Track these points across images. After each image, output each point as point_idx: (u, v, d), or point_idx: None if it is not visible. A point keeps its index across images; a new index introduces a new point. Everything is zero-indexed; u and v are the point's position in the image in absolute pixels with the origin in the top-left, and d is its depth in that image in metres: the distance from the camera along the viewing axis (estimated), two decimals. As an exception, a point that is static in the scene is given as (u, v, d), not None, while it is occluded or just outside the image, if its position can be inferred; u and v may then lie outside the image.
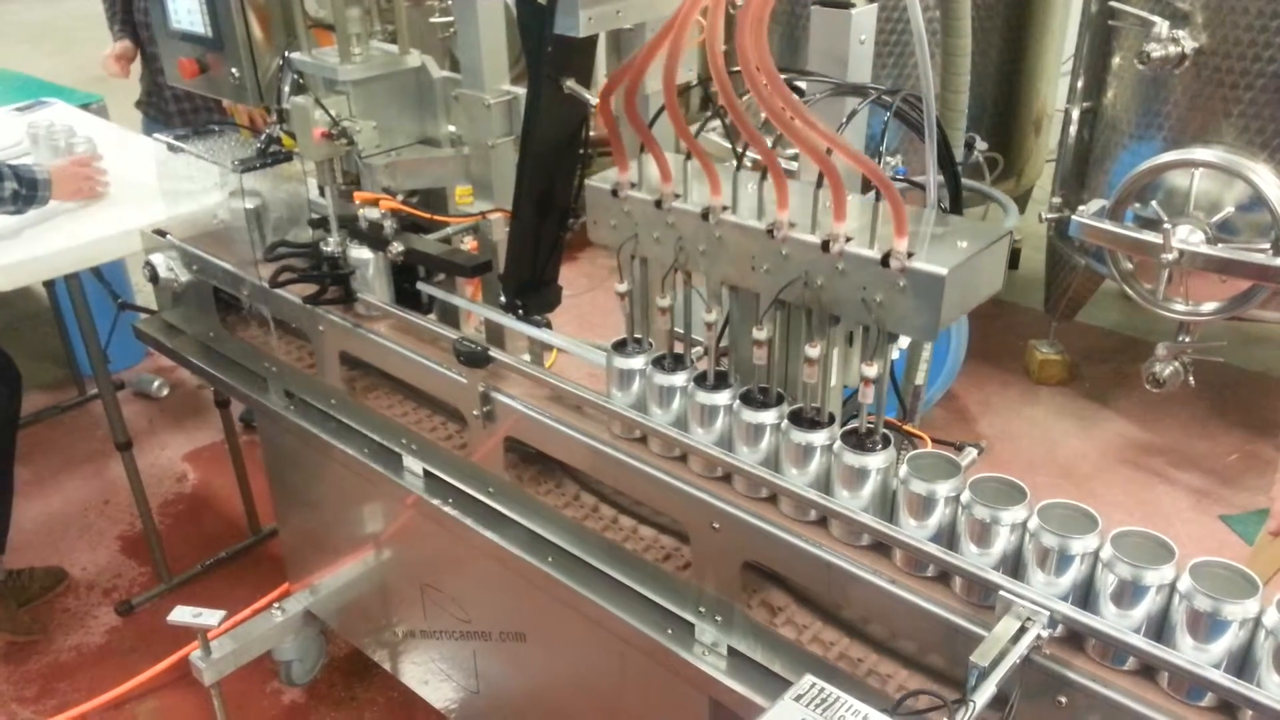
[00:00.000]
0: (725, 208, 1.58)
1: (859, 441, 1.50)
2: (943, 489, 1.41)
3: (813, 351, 1.50)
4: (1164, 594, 1.27)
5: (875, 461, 1.48)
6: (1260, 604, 1.22)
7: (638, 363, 1.72)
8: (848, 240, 1.45)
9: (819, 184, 1.47)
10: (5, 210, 2.81)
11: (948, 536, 1.44)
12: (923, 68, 1.49)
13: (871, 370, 1.47)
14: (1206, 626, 1.22)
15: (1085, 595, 1.34)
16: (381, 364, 2.18)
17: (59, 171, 2.93)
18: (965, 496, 1.39)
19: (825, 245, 1.46)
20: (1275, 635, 1.19)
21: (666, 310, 1.69)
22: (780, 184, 1.48)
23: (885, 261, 1.40)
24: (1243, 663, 1.24)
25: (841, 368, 1.64)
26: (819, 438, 1.52)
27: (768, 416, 1.57)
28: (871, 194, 1.45)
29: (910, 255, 1.39)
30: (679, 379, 1.68)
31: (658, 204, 1.64)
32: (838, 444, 1.50)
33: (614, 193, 1.69)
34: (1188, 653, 1.24)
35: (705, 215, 1.58)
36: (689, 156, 1.63)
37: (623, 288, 1.74)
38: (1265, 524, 1.89)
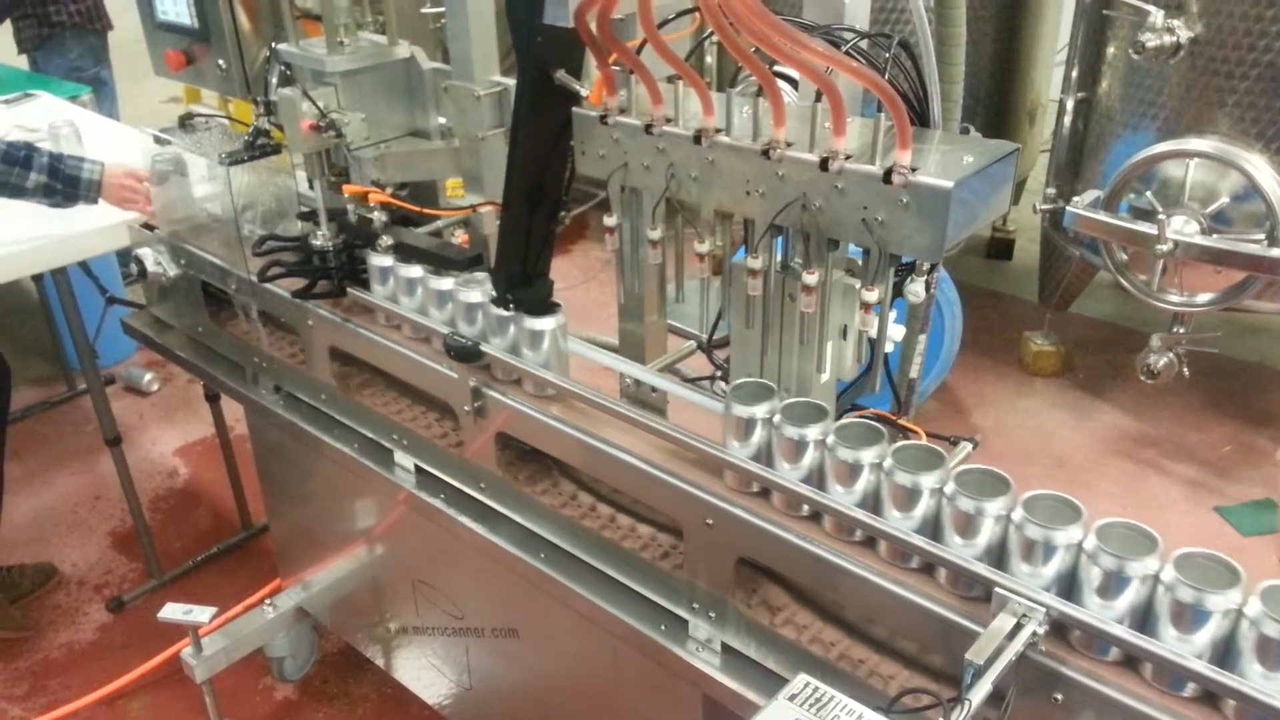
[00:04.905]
0: (719, 130, 1.54)
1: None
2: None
3: (810, 279, 1.47)
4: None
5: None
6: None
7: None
8: (847, 158, 1.42)
9: (816, 99, 1.43)
10: (38, 201, 2.56)
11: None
12: (921, 33, 1.47)
13: (872, 295, 1.45)
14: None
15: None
16: (372, 359, 2.16)
17: (113, 176, 2.58)
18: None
19: (824, 163, 1.42)
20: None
21: (657, 244, 1.66)
22: (777, 101, 1.43)
23: (887, 178, 1.37)
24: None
25: (836, 363, 1.63)
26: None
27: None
28: (870, 119, 1.42)
29: (914, 170, 1.36)
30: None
31: (648, 129, 1.59)
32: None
33: (602, 119, 1.65)
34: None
35: (698, 138, 1.54)
36: (674, 78, 1.58)
37: (612, 221, 1.72)
38: None
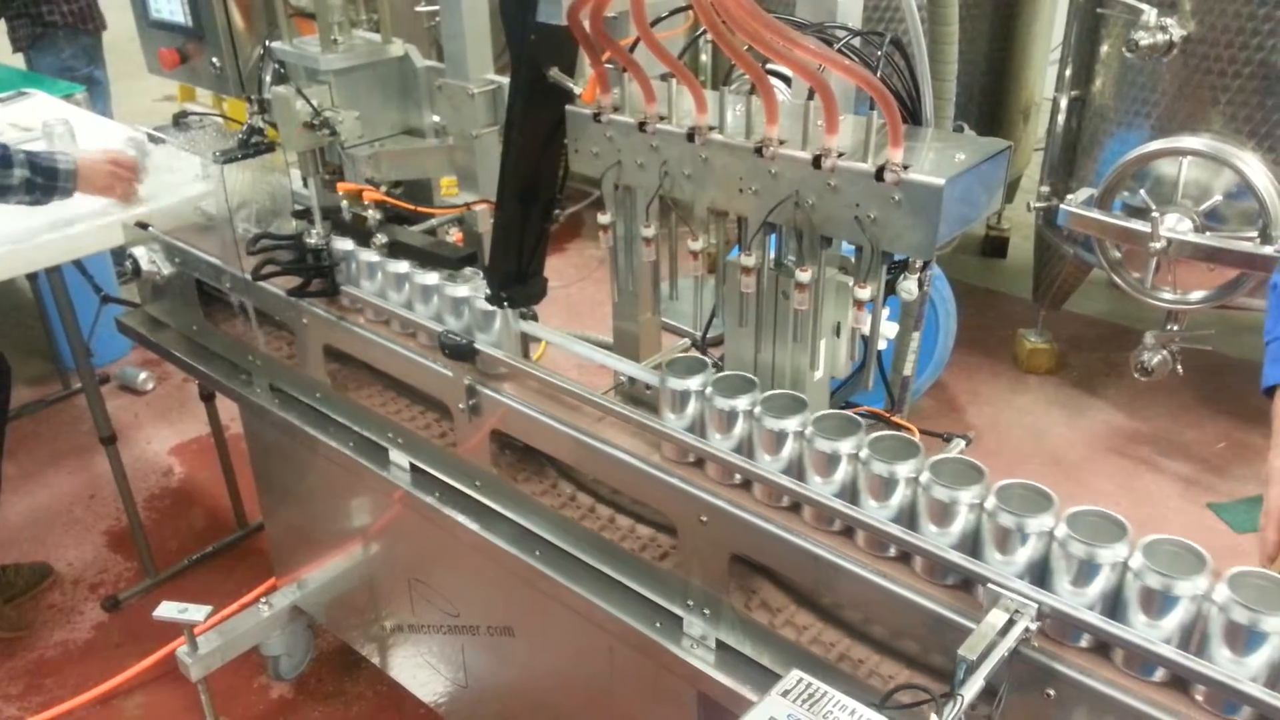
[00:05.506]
0: (712, 127, 1.55)
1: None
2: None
3: (804, 276, 1.48)
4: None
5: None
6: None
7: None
8: (840, 155, 1.43)
9: (809, 97, 1.44)
10: (19, 200, 2.56)
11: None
12: (914, 31, 1.47)
13: (865, 292, 1.45)
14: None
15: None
16: (366, 357, 2.16)
17: (89, 164, 2.65)
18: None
19: (817, 161, 1.43)
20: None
21: (651, 242, 1.67)
22: (769, 98, 1.44)
23: (879, 175, 1.37)
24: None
25: (829, 360, 1.63)
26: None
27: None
28: (863, 116, 1.43)
29: (906, 167, 1.37)
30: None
31: (641, 126, 1.60)
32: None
33: (596, 117, 1.66)
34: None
35: (691, 136, 1.55)
36: (668, 76, 1.58)
37: (606, 219, 1.72)
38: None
